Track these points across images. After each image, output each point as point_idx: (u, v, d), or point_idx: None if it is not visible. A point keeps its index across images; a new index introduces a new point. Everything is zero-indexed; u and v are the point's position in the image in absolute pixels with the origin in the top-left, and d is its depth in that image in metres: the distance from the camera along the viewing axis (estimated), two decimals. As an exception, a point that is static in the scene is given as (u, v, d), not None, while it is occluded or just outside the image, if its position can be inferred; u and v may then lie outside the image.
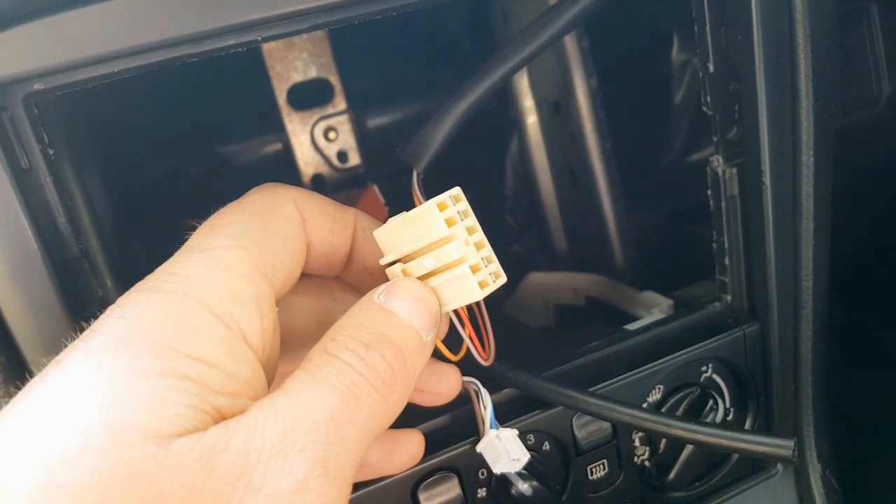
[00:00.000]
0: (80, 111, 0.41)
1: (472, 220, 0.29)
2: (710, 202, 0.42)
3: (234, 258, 0.24)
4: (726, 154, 0.41)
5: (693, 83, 0.58)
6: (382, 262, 0.29)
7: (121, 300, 0.22)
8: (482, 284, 0.28)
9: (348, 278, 0.32)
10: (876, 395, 0.63)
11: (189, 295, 0.22)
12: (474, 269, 0.28)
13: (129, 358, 0.20)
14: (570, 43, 0.57)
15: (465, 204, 0.29)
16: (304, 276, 0.30)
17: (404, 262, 0.29)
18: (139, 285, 0.23)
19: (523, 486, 0.38)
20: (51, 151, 0.29)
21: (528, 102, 0.64)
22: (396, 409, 0.25)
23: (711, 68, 0.39)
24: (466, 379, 0.36)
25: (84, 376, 0.20)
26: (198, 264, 0.23)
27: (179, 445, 0.19)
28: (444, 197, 0.28)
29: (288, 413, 0.21)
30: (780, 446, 0.33)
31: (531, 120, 0.65)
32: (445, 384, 0.33)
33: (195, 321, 0.22)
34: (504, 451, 0.35)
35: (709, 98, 0.40)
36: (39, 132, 0.29)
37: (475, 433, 0.37)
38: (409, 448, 0.34)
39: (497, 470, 0.36)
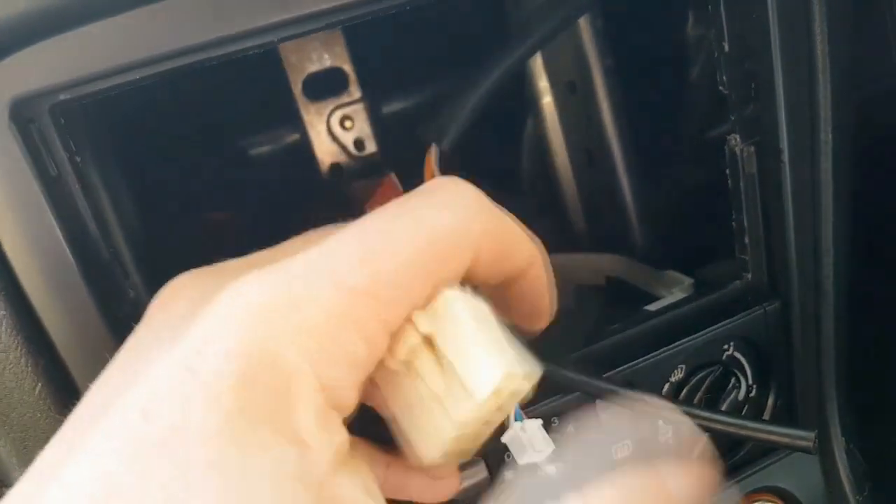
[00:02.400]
0: (100, 115, 0.42)
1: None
2: (729, 181, 0.42)
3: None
4: (743, 133, 0.41)
5: (709, 58, 0.57)
6: None
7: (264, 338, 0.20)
8: None
9: None
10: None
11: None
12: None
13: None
14: (583, 22, 0.57)
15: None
16: None
17: None
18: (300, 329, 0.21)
19: (548, 467, 0.39)
20: (77, 159, 0.30)
21: (542, 83, 0.64)
22: None
23: (726, 48, 0.39)
24: None
25: None
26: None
27: None
28: None
29: None
30: (800, 437, 0.34)
31: (546, 100, 0.65)
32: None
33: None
34: (528, 443, 0.36)
35: (724, 77, 0.40)
36: (66, 140, 0.29)
37: (500, 418, 0.38)
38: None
39: (522, 461, 0.36)
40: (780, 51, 0.37)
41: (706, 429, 0.35)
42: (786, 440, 0.33)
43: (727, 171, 0.43)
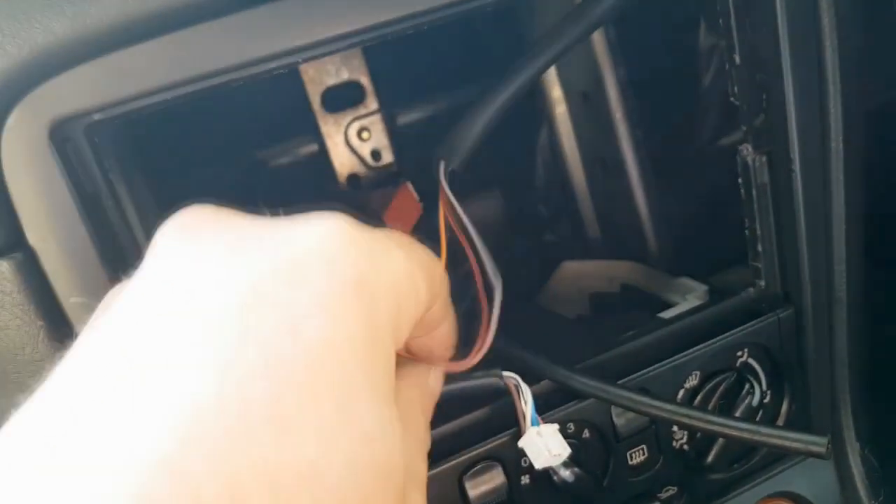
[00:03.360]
0: (128, 133, 0.43)
1: None
2: (742, 189, 0.43)
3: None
4: (755, 143, 0.41)
5: (721, 67, 0.58)
6: None
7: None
8: None
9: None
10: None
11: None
12: None
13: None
14: (597, 33, 0.58)
15: None
16: None
17: None
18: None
19: (565, 473, 0.40)
20: (110, 176, 0.31)
21: (556, 93, 0.65)
22: None
23: (738, 60, 0.40)
24: (507, 374, 0.37)
25: None
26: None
27: None
28: None
29: None
30: (813, 443, 0.34)
31: (560, 110, 0.65)
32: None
33: None
34: (545, 447, 0.37)
35: (736, 89, 0.41)
36: (100, 158, 0.31)
37: (517, 423, 0.39)
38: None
39: (538, 465, 0.37)
40: (791, 62, 0.38)
41: (721, 435, 0.36)
42: (798, 445, 0.34)
43: (740, 180, 0.43)
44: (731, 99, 0.41)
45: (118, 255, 0.31)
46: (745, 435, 0.35)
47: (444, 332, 0.30)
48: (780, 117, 0.40)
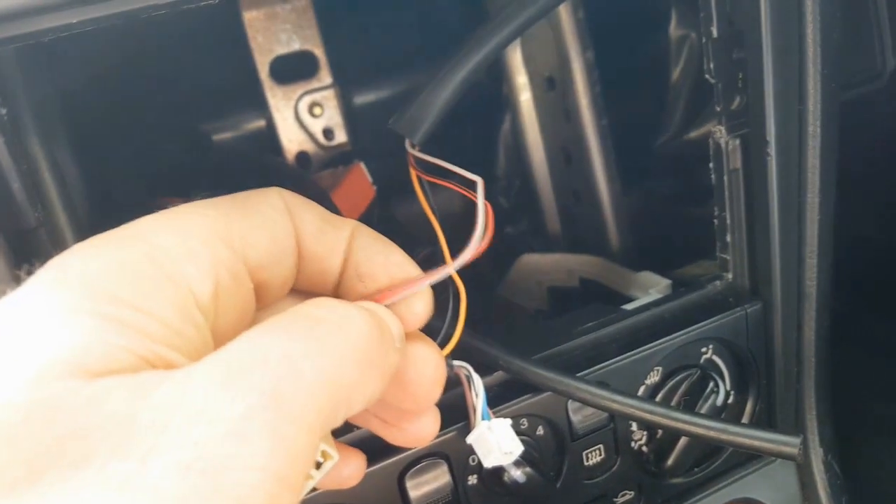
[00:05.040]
0: (45, 77, 0.38)
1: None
2: (712, 176, 0.41)
3: (193, 222, 0.22)
4: (729, 125, 0.39)
5: (691, 59, 0.56)
6: None
7: (63, 253, 0.21)
8: None
9: (341, 292, 0.28)
10: (877, 382, 0.62)
11: (137, 248, 0.21)
12: None
13: (64, 296, 0.19)
14: (565, 14, 0.55)
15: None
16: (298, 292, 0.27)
17: None
18: (87, 241, 0.21)
19: (516, 473, 0.36)
20: (3, 111, 0.27)
21: (521, 79, 0.62)
22: (371, 380, 0.22)
23: (715, 33, 0.37)
24: (457, 363, 0.34)
25: (5, 312, 0.19)
26: (151, 221, 0.22)
27: (109, 382, 0.18)
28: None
29: (232, 352, 0.19)
30: (786, 443, 0.32)
31: (524, 97, 0.63)
32: (416, 425, 0.28)
33: (141, 272, 0.20)
34: (496, 444, 0.33)
35: (712, 65, 0.38)
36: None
37: (466, 416, 0.35)
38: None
39: (488, 464, 0.34)
40: (771, 37, 0.36)
41: (686, 433, 0.33)
42: (770, 446, 0.31)
43: (711, 167, 0.41)
44: (707, 76, 0.39)
45: (9, 202, 0.27)
46: (713, 434, 0.32)
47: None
48: (758, 97, 0.37)
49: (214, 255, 0.22)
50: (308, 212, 0.25)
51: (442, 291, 0.30)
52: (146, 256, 0.21)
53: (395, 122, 0.35)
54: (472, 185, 0.31)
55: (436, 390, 0.27)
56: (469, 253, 0.26)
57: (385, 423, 0.28)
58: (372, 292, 0.26)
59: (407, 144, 0.33)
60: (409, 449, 0.35)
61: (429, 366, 0.26)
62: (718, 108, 0.39)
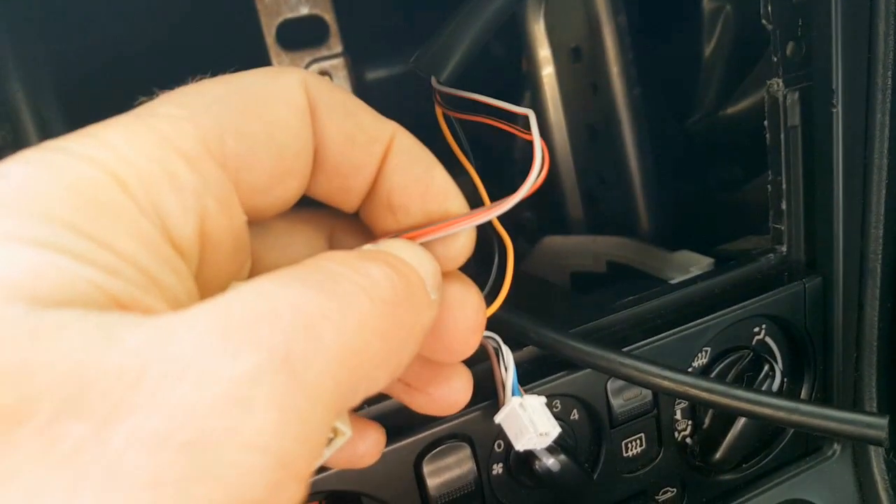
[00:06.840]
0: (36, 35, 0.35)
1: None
2: (767, 135, 0.37)
3: (177, 132, 0.17)
4: (787, 77, 0.35)
5: (725, 32, 0.52)
6: None
7: (11, 157, 0.16)
8: None
9: (365, 217, 0.23)
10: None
11: (100, 165, 0.16)
12: None
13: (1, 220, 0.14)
14: (595, -24, 0.51)
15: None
16: (307, 206, 0.22)
17: None
18: (44, 144, 0.16)
19: (549, 461, 0.32)
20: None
21: (543, 52, 0.58)
22: (398, 351, 0.18)
23: (775, -31, 0.33)
24: (486, 334, 0.30)
25: None
26: (124, 129, 0.16)
27: (65, 314, 0.13)
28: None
29: (232, 300, 0.15)
30: (870, 425, 0.27)
31: (547, 72, 0.59)
32: (445, 389, 0.24)
33: (102, 199, 0.15)
34: (529, 423, 0.29)
35: (770, 8, 0.34)
36: None
37: (493, 395, 0.31)
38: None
39: (520, 446, 0.29)
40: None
41: (751, 414, 0.28)
42: (851, 429, 0.27)
43: (765, 125, 0.37)
44: (763, 21, 0.35)
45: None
46: (782, 414, 0.28)
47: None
48: (824, 42, 0.33)
49: (202, 180, 0.17)
50: (336, 111, 0.20)
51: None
52: (111, 179, 0.16)
53: (417, 61, 0.31)
54: (512, 119, 0.27)
55: (475, 339, 0.22)
56: (527, 187, 0.22)
57: (408, 388, 0.24)
58: (404, 228, 0.21)
59: (433, 81, 0.30)
60: (427, 429, 0.31)
61: (467, 309, 0.22)
62: (776, 59, 0.35)
